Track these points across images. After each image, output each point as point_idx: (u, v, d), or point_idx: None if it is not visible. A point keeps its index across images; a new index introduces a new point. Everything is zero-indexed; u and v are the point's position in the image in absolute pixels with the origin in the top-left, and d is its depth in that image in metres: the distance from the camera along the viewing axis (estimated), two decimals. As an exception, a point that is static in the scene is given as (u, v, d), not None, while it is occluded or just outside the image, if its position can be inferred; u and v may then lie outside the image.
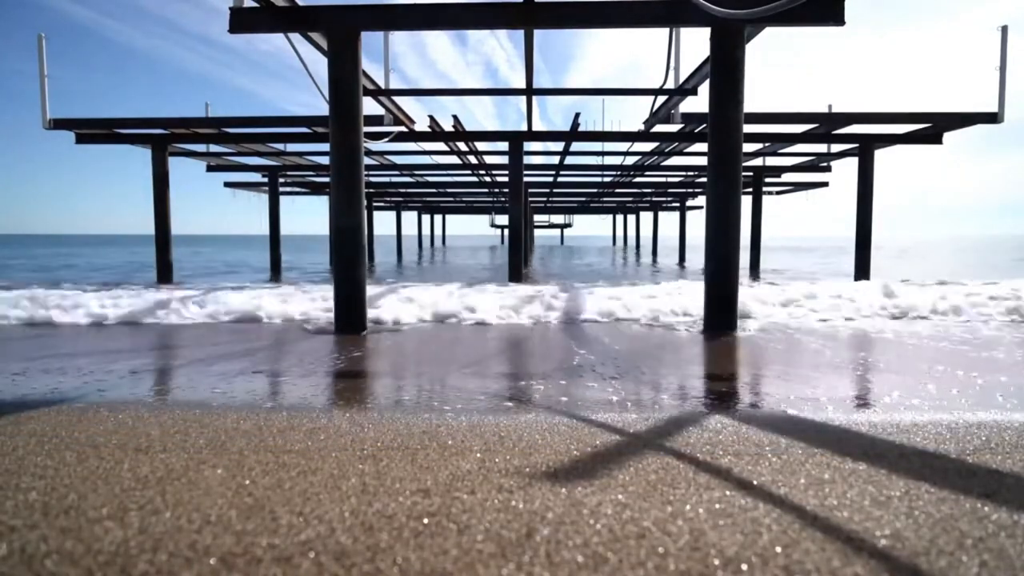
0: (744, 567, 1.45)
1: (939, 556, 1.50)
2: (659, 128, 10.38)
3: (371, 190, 20.66)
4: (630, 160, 14.41)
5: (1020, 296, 7.33)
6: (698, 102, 8.11)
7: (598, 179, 18.24)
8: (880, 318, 6.59)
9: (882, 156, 12.37)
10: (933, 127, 10.87)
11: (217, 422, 2.71)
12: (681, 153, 13.15)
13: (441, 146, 12.09)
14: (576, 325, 6.29)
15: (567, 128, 10.92)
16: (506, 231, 31.31)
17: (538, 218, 42.47)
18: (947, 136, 11.21)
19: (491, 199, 26.04)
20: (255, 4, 5.38)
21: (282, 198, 16.85)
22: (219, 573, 1.44)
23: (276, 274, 15.26)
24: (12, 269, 18.76)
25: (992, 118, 9.34)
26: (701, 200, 24.11)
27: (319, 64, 6.18)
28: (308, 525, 1.67)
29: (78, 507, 1.79)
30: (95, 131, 10.84)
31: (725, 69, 5.72)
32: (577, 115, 10.23)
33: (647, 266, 19.70)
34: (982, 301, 7.15)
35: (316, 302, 7.23)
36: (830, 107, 9.96)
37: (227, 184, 17.70)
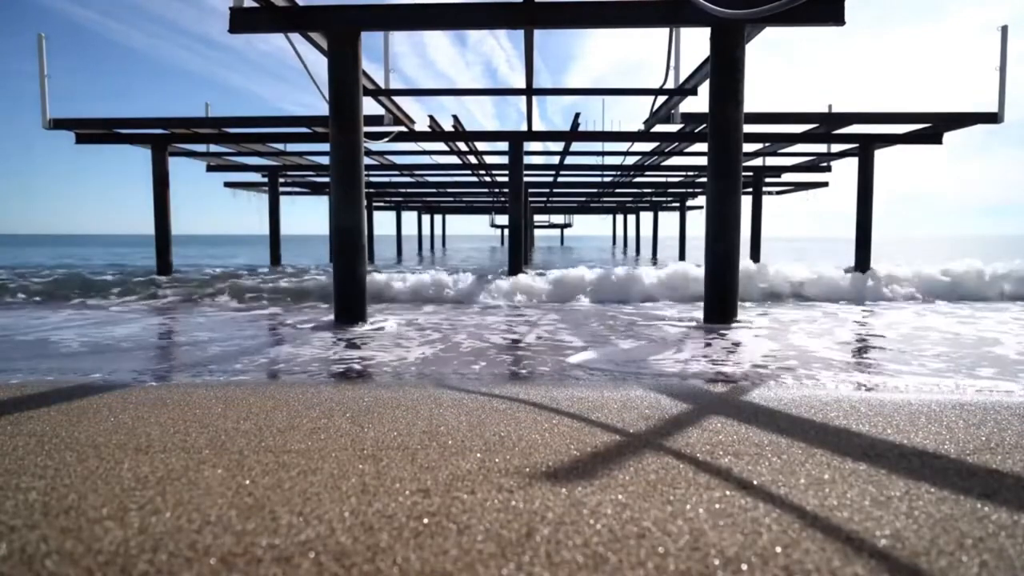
0: (744, 567, 1.45)
1: (939, 556, 1.50)
2: (659, 128, 10.39)
3: (371, 190, 20.66)
4: (630, 160, 14.41)
5: None
6: (698, 102, 8.12)
7: (598, 179, 18.25)
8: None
9: (881, 155, 12.38)
10: (933, 127, 10.87)
11: (217, 422, 2.71)
12: (681, 153, 13.16)
13: (441, 146, 12.09)
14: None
15: (567, 128, 10.93)
16: (506, 231, 31.32)
17: (538, 218, 42.47)
18: (947, 136, 11.22)
19: (491, 199, 26.04)
20: (255, 4, 5.38)
21: (282, 198, 16.87)
22: (219, 573, 1.44)
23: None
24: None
25: (992, 118, 9.35)
26: (701, 200, 24.12)
27: (319, 64, 6.18)
28: (308, 525, 1.67)
29: (78, 507, 1.79)
30: (95, 131, 10.85)
31: (725, 69, 5.72)
32: (577, 115, 10.23)
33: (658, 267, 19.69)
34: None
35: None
36: (830, 107, 9.97)
37: (227, 184, 17.70)
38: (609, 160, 14.92)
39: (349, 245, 5.97)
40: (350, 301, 6.04)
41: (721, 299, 5.93)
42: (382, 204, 28.62)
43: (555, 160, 14.65)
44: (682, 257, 23.33)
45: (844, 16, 5.42)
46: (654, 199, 26.25)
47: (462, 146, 12.32)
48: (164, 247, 11.99)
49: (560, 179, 18.12)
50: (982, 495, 1.87)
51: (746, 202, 15.68)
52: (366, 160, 11.55)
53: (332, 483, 1.98)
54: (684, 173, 16.85)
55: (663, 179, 18.53)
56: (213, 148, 12.51)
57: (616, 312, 7.48)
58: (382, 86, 8.10)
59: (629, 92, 8.54)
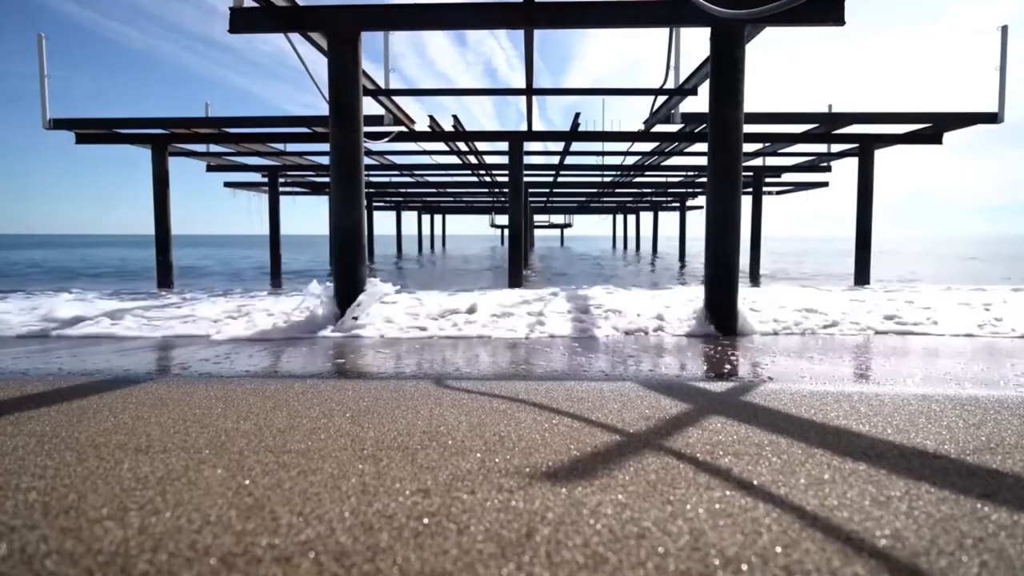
0: (744, 567, 1.45)
1: (939, 556, 1.50)
2: (659, 128, 10.39)
3: (371, 190, 20.67)
4: (630, 160, 14.41)
5: None
6: (698, 102, 8.12)
7: (598, 179, 18.25)
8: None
9: (881, 155, 12.38)
10: (933, 127, 10.87)
11: (217, 422, 2.71)
12: (681, 153, 13.16)
13: (441, 146, 12.10)
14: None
15: (567, 128, 10.93)
16: (506, 231, 31.34)
17: (538, 218, 42.49)
18: (947, 136, 11.22)
19: (491, 199, 26.05)
20: (255, 4, 5.38)
21: (282, 198, 16.85)
22: (219, 573, 1.44)
23: (276, 278, 15.13)
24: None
25: (992, 118, 9.35)
26: (701, 200, 24.13)
27: (319, 64, 6.18)
28: (308, 525, 1.67)
29: (78, 507, 1.79)
30: (95, 131, 10.85)
31: (725, 69, 5.72)
32: (577, 115, 10.23)
33: (664, 269, 19.70)
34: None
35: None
36: (830, 107, 9.97)
37: (227, 184, 17.69)
38: (609, 160, 14.92)
39: (349, 245, 5.97)
40: (350, 301, 6.03)
41: (721, 298, 5.93)
42: (382, 204, 28.64)
43: (555, 160, 14.65)
44: (682, 257, 23.32)
45: (844, 16, 5.41)
46: (654, 199, 26.25)
47: (462, 146, 12.32)
48: (164, 247, 11.99)
49: (560, 179, 18.12)
50: (982, 495, 1.87)
51: (746, 202, 15.68)
52: (366, 160, 11.55)
53: (332, 483, 1.98)
54: (684, 173, 16.85)
55: (663, 179, 18.53)
56: (213, 148, 12.51)
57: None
58: (382, 86, 8.10)
59: (629, 92, 8.54)
